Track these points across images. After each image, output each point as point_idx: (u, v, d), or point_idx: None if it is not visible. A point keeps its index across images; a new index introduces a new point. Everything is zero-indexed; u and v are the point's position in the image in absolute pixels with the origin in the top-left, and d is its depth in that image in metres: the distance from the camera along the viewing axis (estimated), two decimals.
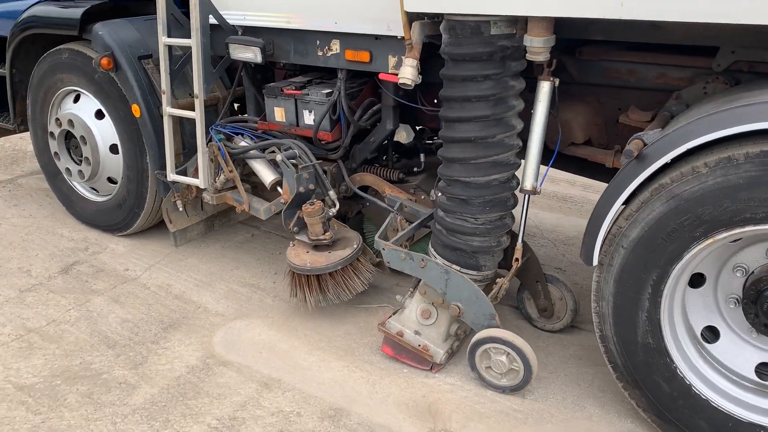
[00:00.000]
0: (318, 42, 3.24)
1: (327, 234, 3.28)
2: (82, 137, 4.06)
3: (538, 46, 2.52)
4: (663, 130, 2.34)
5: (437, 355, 2.94)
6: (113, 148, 4.07)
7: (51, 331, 3.28)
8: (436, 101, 3.51)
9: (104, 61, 3.63)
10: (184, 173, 3.72)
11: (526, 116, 2.83)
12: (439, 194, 2.99)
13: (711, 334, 2.58)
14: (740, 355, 2.52)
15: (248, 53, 3.31)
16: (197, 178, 3.64)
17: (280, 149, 3.34)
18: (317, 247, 3.32)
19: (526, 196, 2.91)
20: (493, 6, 2.46)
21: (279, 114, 3.51)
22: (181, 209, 3.83)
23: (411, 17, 2.77)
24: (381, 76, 3.01)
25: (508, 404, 2.79)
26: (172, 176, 3.61)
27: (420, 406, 2.78)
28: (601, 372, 2.98)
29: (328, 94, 3.34)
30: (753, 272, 2.41)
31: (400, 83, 2.78)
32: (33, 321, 3.37)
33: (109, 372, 2.97)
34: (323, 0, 3.08)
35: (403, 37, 2.91)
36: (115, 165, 4.10)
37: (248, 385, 2.89)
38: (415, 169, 3.77)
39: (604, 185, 3.18)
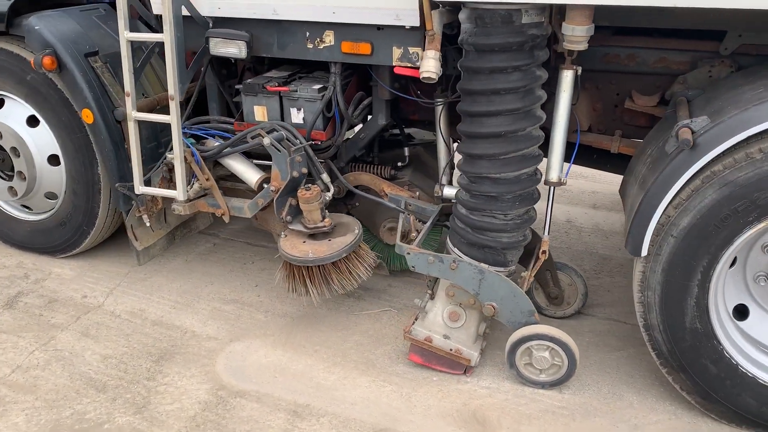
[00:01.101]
0: (308, 34, 2.97)
1: (326, 220, 3.05)
2: (14, 149, 3.51)
3: (581, 35, 2.45)
4: (708, 117, 2.34)
5: (473, 357, 2.82)
6: (52, 159, 3.56)
7: (20, 380, 2.81)
8: (419, 92, 3.37)
9: (47, 60, 3.13)
10: (148, 184, 3.31)
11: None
12: (460, 191, 2.86)
13: (736, 312, 2.65)
14: None
15: (231, 48, 2.98)
16: (166, 188, 3.26)
17: (265, 133, 3.03)
18: (314, 235, 3.08)
19: (552, 188, 2.86)
20: None
21: (260, 113, 3.21)
22: (147, 224, 3.42)
23: (433, 6, 2.60)
24: (397, 69, 2.81)
25: (549, 402, 2.73)
26: (141, 189, 3.20)
27: (464, 414, 2.66)
28: (623, 357, 3.01)
29: (320, 90, 3.08)
30: None
31: (424, 77, 2.60)
32: None
33: (111, 420, 2.59)
34: None
35: (413, 27, 2.75)
36: (55, 178, 3.59)
37: (276, 416, 2.63)
38: (399, 164, 3.61)
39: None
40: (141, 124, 3.32)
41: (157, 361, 2.95)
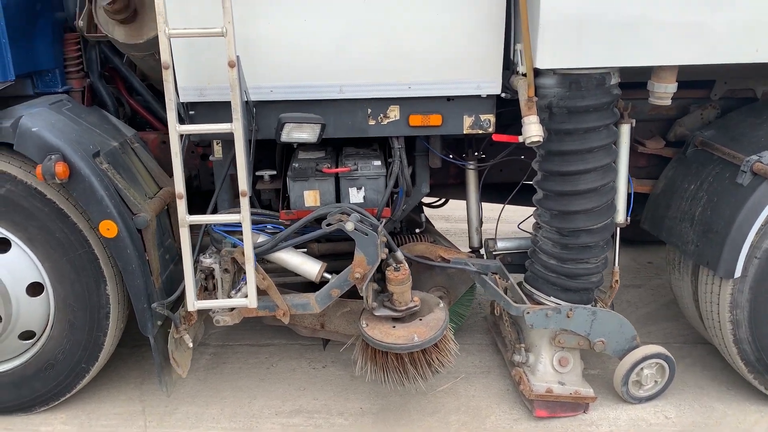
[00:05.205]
0: (369, 110, 2.84)
1: (416, 299, 2.92)
2: None
3: (672, 91, 2.73)
4: None
5: (590, 393, 2.97)
6: (31, 289, 2.83)
7: None
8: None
9: (60, 168, 2.53)
10: (178, 300, 2.84)
11: None
12: (546, 245, 2.94)
13: None
14: None
15: (304, 133, 2.71)
16: (205, 299, 2.81)
17: (346, 217, 2.79)
18: (400, 318, 2.90)
19: (618, 228, 3.10)
20: (651, 58, 2.58)
21: (311, 198, 2.94)
22: (191, 345, 2.87)
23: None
24: (496, 137, 2.80)
25: (669, 429, 2.91)
26: (198, 304, 2.70)
27: None
28: (680, 373, 3.30)
29: (383, 166, 2.94)
30: None
31: (530, 142, 2.65)
32: None
33: None
34: (397, 62, 2.72)
35: (489, 96, 2.81)
36: (36, 312, 2.86)
37: None
38: (417, 231, 3.56)
39: None
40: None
41: None
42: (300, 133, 2.72)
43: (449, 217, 5.55)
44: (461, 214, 5.51)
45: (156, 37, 2.91)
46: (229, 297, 2.87)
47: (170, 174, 3.23)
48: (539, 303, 2.98)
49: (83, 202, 2.66)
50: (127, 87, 3.54)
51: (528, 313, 2.86)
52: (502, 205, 3.46)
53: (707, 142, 3.14)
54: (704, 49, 2.57)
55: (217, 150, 3.04)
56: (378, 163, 2.96)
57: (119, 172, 2.82)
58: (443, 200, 4.00)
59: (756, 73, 3.22)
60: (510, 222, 3.56)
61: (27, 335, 2.90)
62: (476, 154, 3.36)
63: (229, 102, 2.65)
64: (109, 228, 2.67)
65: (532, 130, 2.65)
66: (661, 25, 2.52)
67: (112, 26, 2.96)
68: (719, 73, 3.24)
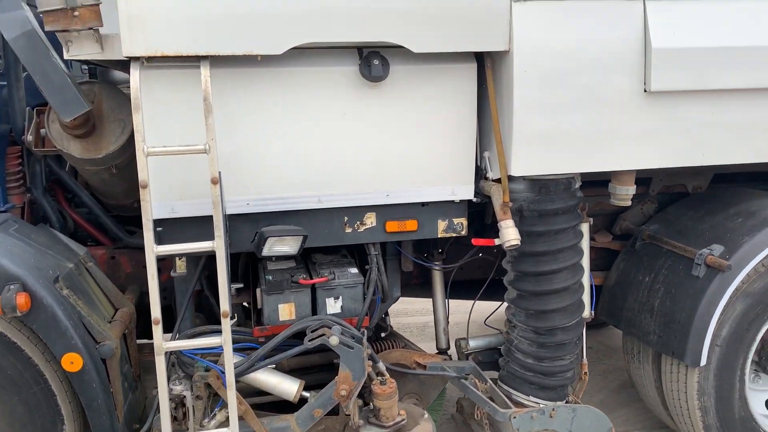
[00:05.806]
0: (346, 218, 2.82)
1: (402, 412, 2.82)
2: None
3: (633, 193, 2.92)
4: (721, 245, 2.98)
5: None
6: None
7: None
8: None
9: (21, 299, 2.29)
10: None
11: None
12: (523, 344, 2.97)
13: None
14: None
15: (285, 246, 2.63)
16: (174, 429, 2.60)
17: (329, 331, 2.69)
18: None
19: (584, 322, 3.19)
20: (615, 163, 2.76)
21: (286, 312, 2.81)
22: None
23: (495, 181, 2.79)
24: (475, 241, 2.84)
25: None
26: None
27: None
28: None
29: (359, 274, 2.90)
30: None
31: (509, 246, 2.72)
32: None
33: None
34: (375, 171, 2.74)
35: (461, 200, 2.88)
36: None
37: None
38: (382, 335, 3.50)
39: None
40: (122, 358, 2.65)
41: None
42: (282, 246, 2.64)
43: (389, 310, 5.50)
44: (402, 307, 5.57)
45: (115, 152, 2.82)
46: (202, 426, 2.67)
47: (123, 291, 3.07)
48: (519, 403, 2.98)
49: (44, 335, 2.41)
50: (68, 200, 3.34)
51: (515, 417, 2.84)
52: (472, 304, 3.49)
53: (655, 236, 3.34)
54: (660, 155, 2.79)
55: (180, 265, 2.89)
56: (354, 270, 2.91)
57: (79, 297, 2.59)
58: None
59: (689, 171, 3.50)
60: (464, 314, 3.57)
61: None
62: (440, 253, 3.39)
63: (200, 217, 2.59)
64: (73, 361, 2.43)
65: (510, 234, 2.72)
66: (623, 135, 2.72)
67: (67, 141, 2.79)
68: (656, 172, 3.50)
